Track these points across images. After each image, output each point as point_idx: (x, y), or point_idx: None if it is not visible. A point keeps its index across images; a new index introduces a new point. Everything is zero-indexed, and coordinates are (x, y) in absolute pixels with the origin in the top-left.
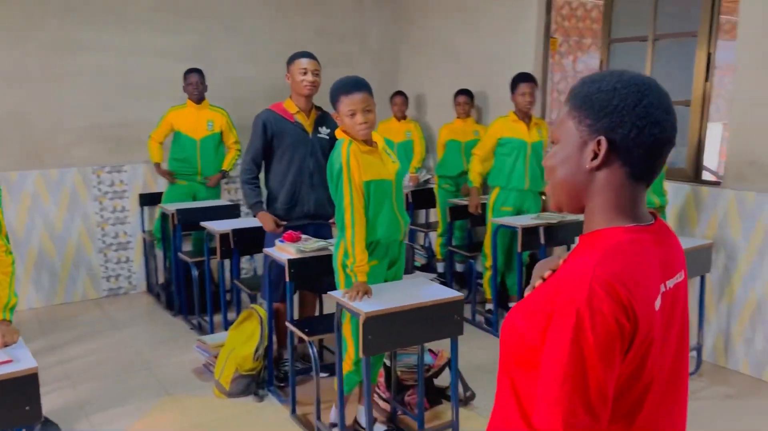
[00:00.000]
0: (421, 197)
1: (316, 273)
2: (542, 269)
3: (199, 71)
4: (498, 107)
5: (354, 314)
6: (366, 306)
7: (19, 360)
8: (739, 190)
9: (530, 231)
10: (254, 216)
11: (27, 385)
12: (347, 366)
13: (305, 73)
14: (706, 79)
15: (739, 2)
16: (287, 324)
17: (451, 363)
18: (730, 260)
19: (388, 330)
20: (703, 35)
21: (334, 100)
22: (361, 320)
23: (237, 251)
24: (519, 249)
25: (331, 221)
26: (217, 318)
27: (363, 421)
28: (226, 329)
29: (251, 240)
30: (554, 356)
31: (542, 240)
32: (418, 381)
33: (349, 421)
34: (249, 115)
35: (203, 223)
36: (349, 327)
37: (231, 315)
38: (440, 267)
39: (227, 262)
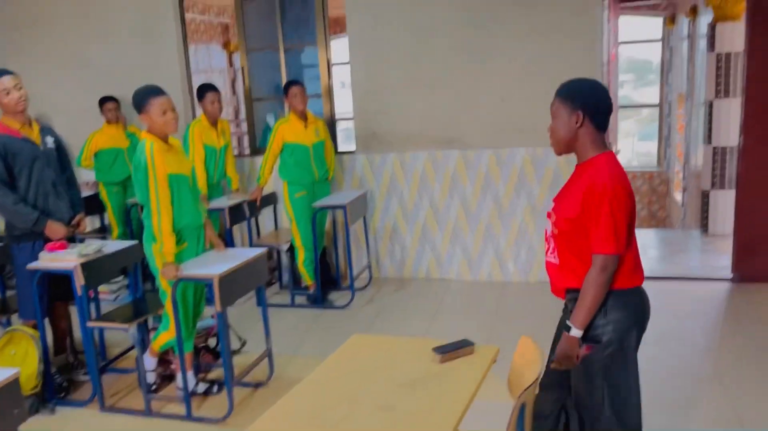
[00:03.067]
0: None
1: (106, 274)
2: None
3: None
4: None
5: (204, 280)
6: (215, 270)
7: None
8: (368, 153)
9: (235, 209)
10: (42, 231)
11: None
12: (166, 336)
13: (9, 93)
14: (329, 77)
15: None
16: (93, 324)
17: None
18: (370, 202)
19: (231, 286)
20: (321, 45)
21: (144, 102)
22: (216, 280)
23: None
24: (228, 226)
25: (75, 221)
26: None
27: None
28: None
29: None
30: (601, 218)
31: (247, 214)
32: (220, 341)
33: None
34: None
35: None
36: (170, 306)
37: None
38: None
39: None
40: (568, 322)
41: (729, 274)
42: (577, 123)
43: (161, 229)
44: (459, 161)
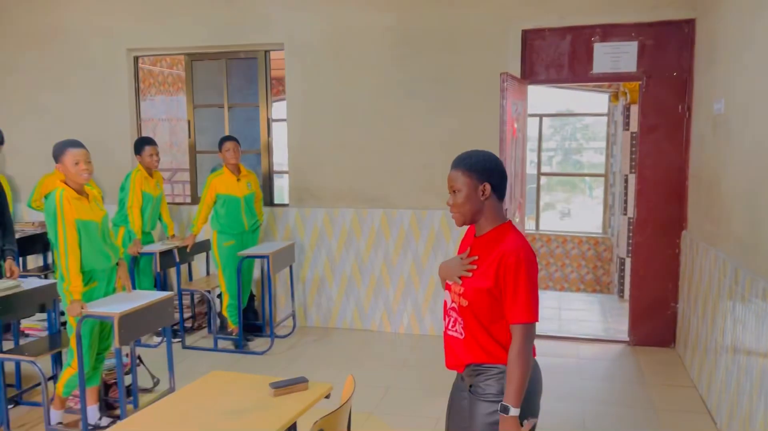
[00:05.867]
0: (30, 243)
1: (23, 310)
2: (457, 267)
3: None
4: (108, 160)
5: (106, 318)
6: (117, 309)
7: None
8: (300, 207)
9: (166, 254)
10: None
11: None
12: (70, 372)
13: None
14: (268, 134)
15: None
16: (1, 356)
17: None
18: (300, 253)
19: (131, 325)
20: (263, 105)
21: (60, 152)
22: (116, 319)
23: None
24: (158, 269)
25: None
26: None
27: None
28: None
29: None
30: (519, 287)
31: (177, 259)
32: (117, 378)
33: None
34: None
35: None
36: (74, 341)
37: None
38: None
39: None
40: (503, 403)
41: (627, 338)
42: (483, 195)
43: (68, 269)
44: (383, 219)
